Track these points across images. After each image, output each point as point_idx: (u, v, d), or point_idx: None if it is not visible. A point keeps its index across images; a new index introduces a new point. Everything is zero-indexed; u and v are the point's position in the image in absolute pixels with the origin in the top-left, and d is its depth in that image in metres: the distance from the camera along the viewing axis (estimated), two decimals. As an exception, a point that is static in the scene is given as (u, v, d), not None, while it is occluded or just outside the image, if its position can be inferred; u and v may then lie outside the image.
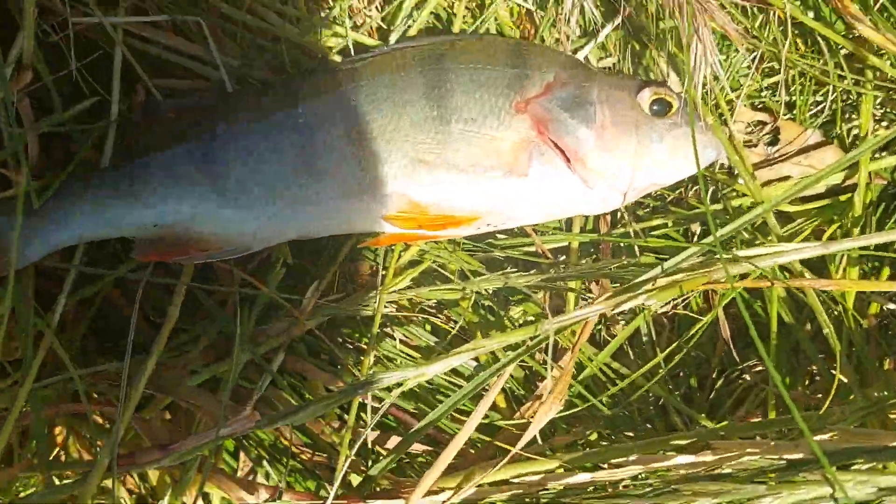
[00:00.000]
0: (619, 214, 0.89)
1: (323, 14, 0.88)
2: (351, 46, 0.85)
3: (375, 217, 0.79)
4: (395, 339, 0.85)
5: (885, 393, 0.76)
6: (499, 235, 0.90)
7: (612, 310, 0.76)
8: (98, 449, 0.74)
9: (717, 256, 0.74)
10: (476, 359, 0.83)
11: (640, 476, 0.69)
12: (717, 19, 0.76)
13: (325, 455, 0.81)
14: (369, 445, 0.80)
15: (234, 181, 0.77)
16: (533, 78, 0.81)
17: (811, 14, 0.86)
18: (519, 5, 0.90)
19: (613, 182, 0.80)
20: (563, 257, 0.90)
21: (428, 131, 0.78)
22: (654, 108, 0.81)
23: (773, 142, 0.87)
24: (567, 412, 0.81)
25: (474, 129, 0.79)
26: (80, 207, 0.75)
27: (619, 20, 0.88)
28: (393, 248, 0.85)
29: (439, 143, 0.78)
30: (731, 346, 0.81)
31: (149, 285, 0.79)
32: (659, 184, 0.82)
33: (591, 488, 0.70)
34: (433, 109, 0.79)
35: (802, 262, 0.79)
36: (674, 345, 0.81)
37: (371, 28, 0.91)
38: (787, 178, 0.86)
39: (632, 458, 0.69)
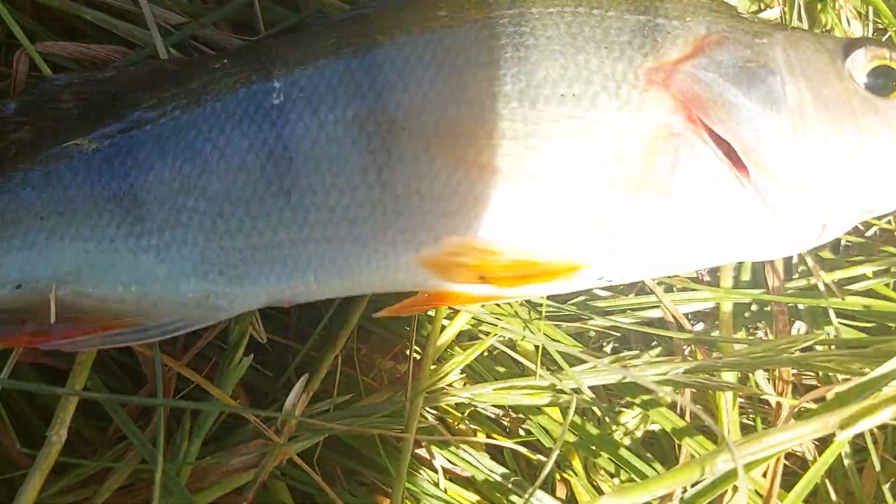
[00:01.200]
0: (794, 258, 0.57)
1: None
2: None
3: (404, 265, 0.46)
4: (435, 472, 0.51)
5: None
6: (600, 292, 0.57)
7: (838, 432, 0.43)
8: None
9: None
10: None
11: None
12: None
13: None
14: None
15: (155, 211, 0.45)
16: (671, 30, 0.49)
17: None
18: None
19: (813, 204, 0.47)
20: (702, 325, 0.57)
21: (498, 120, 0.46)
22: (877, 80, 0.49)
23: None
24: None
25: (578, 113, 0.47)
26: None
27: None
28: (432, 316, 0.52)
29: (518, 140, 0.46)
30: None
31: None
32: (880, 209, 0.50)
33: None
34: (507, 83, 0.47)
35: None
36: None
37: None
38: None
39: None
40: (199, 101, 0.49)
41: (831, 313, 0.54)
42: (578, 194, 0.47)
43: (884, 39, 0.58)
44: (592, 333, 0.56)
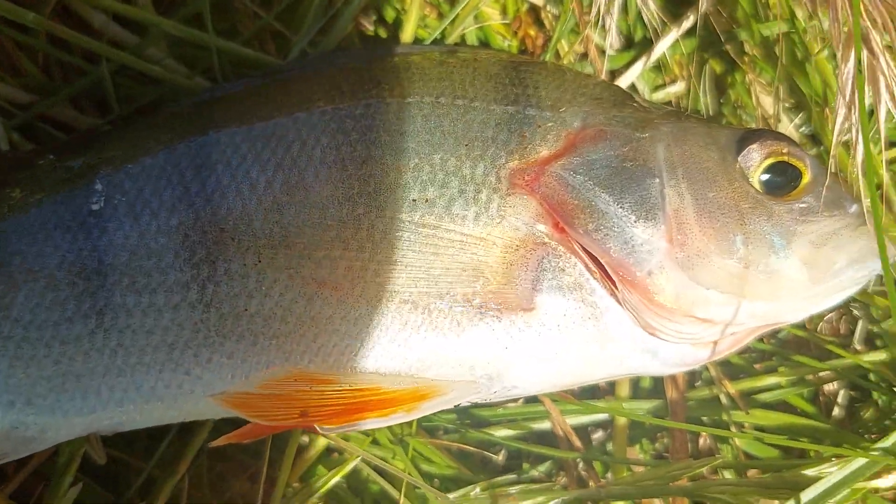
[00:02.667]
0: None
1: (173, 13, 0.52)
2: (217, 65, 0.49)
3: (232, 389, 0.42)
4: None
5: None
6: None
7: None
8: None
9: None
10: None
11: None
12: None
13: None
14: None
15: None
16: (542, 123, 0.45)
17: None
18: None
19: (699, 324, 0.43)
20: (601, 434, 0.52)
21: (340, 228, 0.42)
22: (773, 178, 0.44)
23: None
24: None
25: (430, 221, 0.43)
26: None
27: (691, 20, 0.52)
28: (288, 439, 0.48)
29: (363, 251, 0.42)
30: None
31: None
32: (780, 322, 0.45)
33: None
34: (353, 186, 0.43)
35: None
36: None
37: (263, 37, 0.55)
38: None
39: None
40: (16, 205, 0.45)
41: (734, 431, 0.50)
42: (429, 312, 0.43)
43: (795, 121, 0.53)
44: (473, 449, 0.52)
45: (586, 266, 0.43)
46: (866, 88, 0.41)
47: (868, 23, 0.41)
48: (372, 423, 0.41)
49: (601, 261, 0.42)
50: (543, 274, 0.43)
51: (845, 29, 0.42)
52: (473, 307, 0.43)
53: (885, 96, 0.42)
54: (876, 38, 0.41)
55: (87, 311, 0.42)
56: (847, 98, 0.41)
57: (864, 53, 0.40)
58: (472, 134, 0.45)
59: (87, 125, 0.53)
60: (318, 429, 0.41)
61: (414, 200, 0.43)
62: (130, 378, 0.42)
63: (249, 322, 0.42)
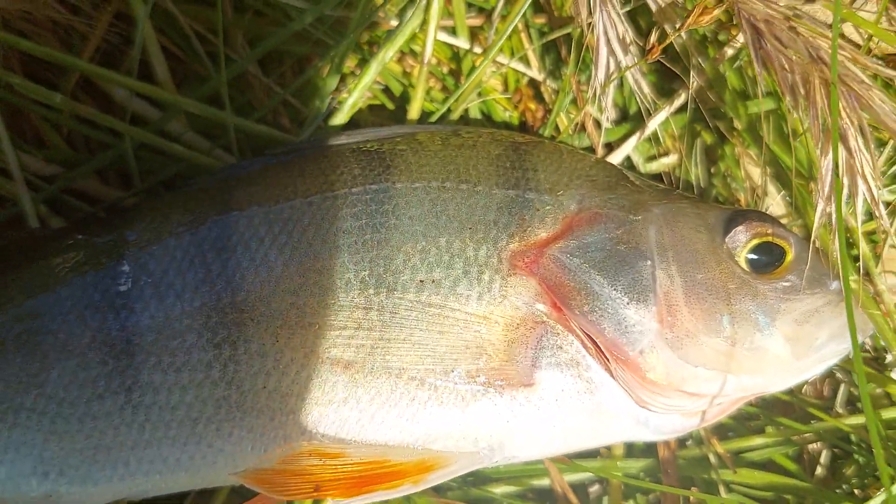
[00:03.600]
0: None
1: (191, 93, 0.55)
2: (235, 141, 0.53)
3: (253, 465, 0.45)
4: None
5: None
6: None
7: None
8: None
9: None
10: None
11: None
12: (876, 111, 0.43)
13: None
14: None
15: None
16: (540, 207, 0.48)
17: None
18: (519, 73, 0.57)
19: (687, 398, 0.46)
20: (598, 488, 0.55)
21: (352, 309, 0.45)
22: (759, 258, 0.48)
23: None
24: None
25: (436, 300, 0.46)
26: None
27: (682, 98, 0.55)
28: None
29: (373, 331, 0.45)
30: None
31: None
32: (764, 391, 0.49)
33: None
34: (365, 268, 0.46)
35: None
36: None
37: (278, 110, 0.58)
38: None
39: None
40: (48, 284, 0.48)
41: (721, 489, 0.53)
42: (435, 388, 0.46)
43: (783, 192, 0.56)
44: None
45: (583, 344, 0.46)
46: (844, 181, 0.45)
47: (847, 122, 0.44)
48: (381, 495, 0.44)
49: (596, 340, 0.46)
50: (542, 351, 0.46)
51: (825, 123, 0.45)
52: (477, 383, 0.46)
53: (861, 188, 0.45)
54: (854, 137, 0.44)
55: (116, 388, 0.46)
56: (825, 192, 0.44)
57: (843, 152, 0.44)
58: (475, 217, 0.48)
59: (112, 197, 0.57)
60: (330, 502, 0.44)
61: (421, 281, 0.47)
62: (157, 450, 0.46)
63: (268, 398, 0.45)
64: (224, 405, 0.45)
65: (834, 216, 0.46)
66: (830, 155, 0.44)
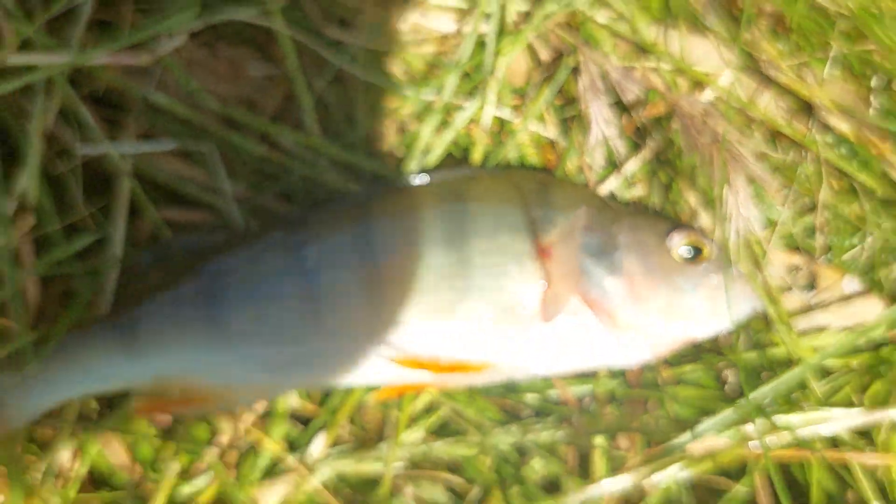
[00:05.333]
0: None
1: (336, 140, 0.88)
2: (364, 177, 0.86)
3: (386, 367, 0.77)
4: (405, 497, 0.82)
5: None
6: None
7: (642, 479, 0.74)
8: None
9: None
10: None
11: None
12: (751, 170, 0.76)
13: None
14: None
15: (236, 329, 0.76)
16: (556, 219, 0.80)
17: (844, 151, 0.86)
18: (542, 135, 0.90)
19: (644, 336, 0.78)
20: (588, 399, 0.88)
21: (446, 278, 0.77)
22: (686, 254, 0.80)
23: (810, 286, 0.87)
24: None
25: (496, 274, 0.78)
26: (80, 364, 0.74)
27: (644, 154, 0.88)
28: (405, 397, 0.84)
29: (458, 291, 0.77)
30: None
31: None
32: (694, 338, 0.81)
33: None
34: (452, 254, 0.78)
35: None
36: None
37: (387, 155, 0.91)
38: (824, 328, 0.84)
39: None
40: (260, 260, 0.80)
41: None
42: (493, 325, 0.78)
43: (706, 214, 0.89)
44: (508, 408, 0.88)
45: (581, 301, 0.79)
46: (732, 209, 0.77)
47: (734, 174, 0.76)
48: (461, 377, 0.76)
49: (588, 299, 0.78)
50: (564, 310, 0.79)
51: (722, 175, 0.78)
52: (515, 322, 0.78)
53: (742, 211, 0.77)
54: (740, 183, 0.77)
55: (307, 321, 0.75)
56: (726, 213, 0.77)
57: (731, 193, 0.76)
58: (519, 224, 0.79)
59: (286, 210, 0.89)
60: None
61: (484, 263, 0.78)
62: (329, 356, 0.76)
63: (407, 329, 0.77)
64: (368, 331, 0.77)
65: (734, 230, 0.79)
66: (726, 191, 0.77)
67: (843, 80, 0.88)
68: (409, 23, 0.89)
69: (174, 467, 0.79)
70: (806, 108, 0.88)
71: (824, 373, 0.83)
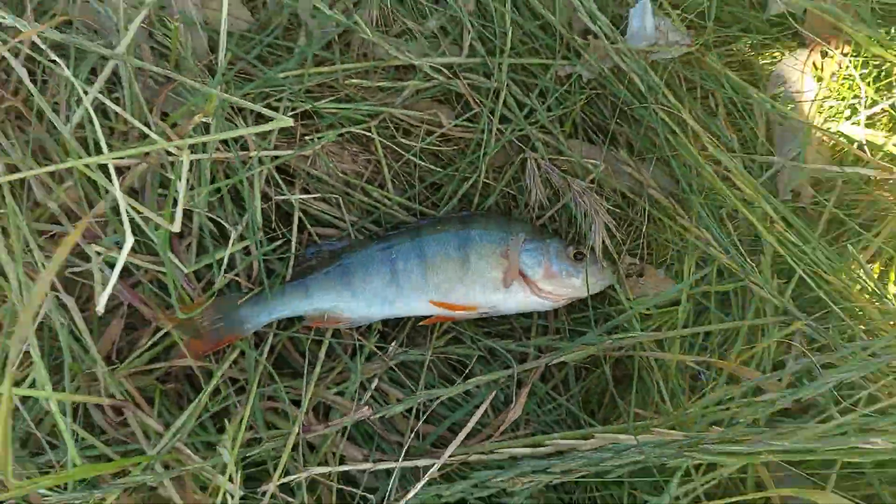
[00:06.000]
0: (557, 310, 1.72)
1: (402, 194, 1.72)
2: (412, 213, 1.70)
3: (429, 307, 1.61)
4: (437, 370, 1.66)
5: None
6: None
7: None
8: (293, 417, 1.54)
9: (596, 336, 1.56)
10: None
11: None
12: (602, 218, 1.60)
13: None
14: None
15: (357, 287, 1.60)
16: (511, 238, 1.64)
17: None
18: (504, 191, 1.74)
19: (553, 296, 1.62)
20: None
21: (458, 265, 1.61)
22: (575, 256, 1.64)
23: (639, 274, 1.70)
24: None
25: (483, 264, 1.62)
26: (283, 301, 1.57)
27: (560, 204, 1.72)
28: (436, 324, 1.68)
29: (465, 271, 1.61)
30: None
31: (307, 340, 1.61)
32: (578, 297, 1.65)
33: None
34: (461, 252, 1.62)
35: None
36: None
37: (420, 201, 1.75)
38: (646, 294, 1.67)
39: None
40: (368, 254, 1.63)
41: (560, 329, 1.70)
42: (481, 289, 1.61)
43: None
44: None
45: (521, 279, 1.62)
46: (597, 233, 1.61)
47: (594, 217, 1.60)
48: (465, 314, 1.60)
49: (525, 277, 1.61)
50: (514, 282, 1.62)
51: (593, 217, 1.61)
52: (492, 287, 1.61)
53: (602, 234, 1.61)
54: (600, 221, 1.60)
55: (390, 283, 1.58)
56: (595, 231, 1.61)
57: (597, 225, 1.59)
58: (499, 239, 1.63)
59: (379, 229, 1.73)
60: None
61: (477, 254, 1.62)
62: (402, 303, 1.61)
63: (437, 285, 1.61)
64: (422, 291, 1.61)
65: (598, 246, 1.63)
66: (594, 228, 1.61)
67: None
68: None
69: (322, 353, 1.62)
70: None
71: (645, 316, 1.66)
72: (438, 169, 1.70)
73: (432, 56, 1.65)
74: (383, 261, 1.53)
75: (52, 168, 1.18)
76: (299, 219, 1.66)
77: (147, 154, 1.40)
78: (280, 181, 1.56)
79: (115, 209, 1.39)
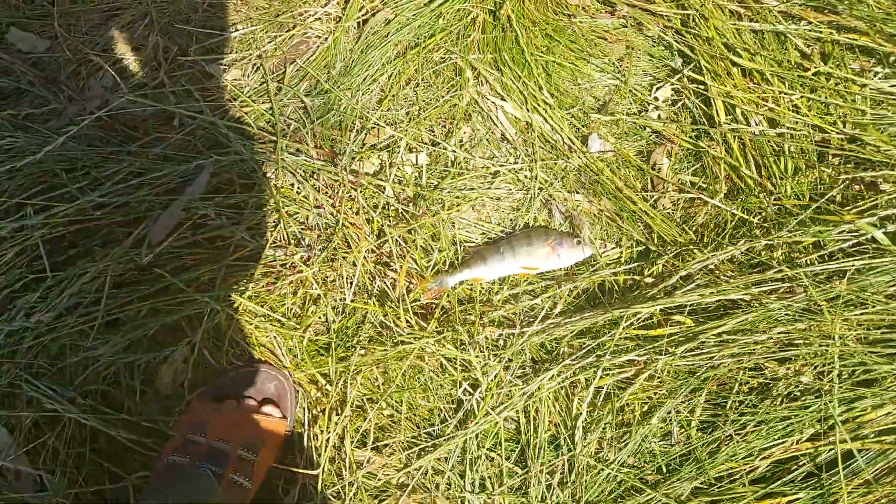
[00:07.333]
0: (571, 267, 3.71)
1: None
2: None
3: (519, 269, 3.52)
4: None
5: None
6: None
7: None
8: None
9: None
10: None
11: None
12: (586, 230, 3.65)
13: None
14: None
15: (488, 263, 3.56)
16: (550, 236, 3.66)
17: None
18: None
19: (566, 262, 3.62)
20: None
21: (526, 247, 3.59)
22: (578, 243, 3.67)
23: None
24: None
25: (538, 248, 3.61)
26: (461, 273, 3.51)
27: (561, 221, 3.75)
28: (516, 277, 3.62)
29: (530, 251, 3.59)
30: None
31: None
32: (579, 261, 3.67)
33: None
34: (528, 241, 3.60)
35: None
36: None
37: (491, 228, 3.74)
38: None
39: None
40: (491, 246, 3.57)
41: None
42: (535, 261, 3.56)
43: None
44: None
45: (554, 252, 3.61)
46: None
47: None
48: (530, 271, 3.55)
49: (556, 251, 3.59)
50: (550, 255, 3.60)
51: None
52: (544, 259, 3.58)
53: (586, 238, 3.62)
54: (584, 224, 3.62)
55: (496, 252, 3.55)
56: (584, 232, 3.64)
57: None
58: (540, 237, 3.59)
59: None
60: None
61: (533, 242, 3.59)
62: (503, 267, 3.54)
63: (517, 259, 3.55)
64: (512, 261, 3.55)
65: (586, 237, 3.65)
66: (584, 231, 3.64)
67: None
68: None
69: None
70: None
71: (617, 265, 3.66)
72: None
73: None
74: (496, 251, 3.52)
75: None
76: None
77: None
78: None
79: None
